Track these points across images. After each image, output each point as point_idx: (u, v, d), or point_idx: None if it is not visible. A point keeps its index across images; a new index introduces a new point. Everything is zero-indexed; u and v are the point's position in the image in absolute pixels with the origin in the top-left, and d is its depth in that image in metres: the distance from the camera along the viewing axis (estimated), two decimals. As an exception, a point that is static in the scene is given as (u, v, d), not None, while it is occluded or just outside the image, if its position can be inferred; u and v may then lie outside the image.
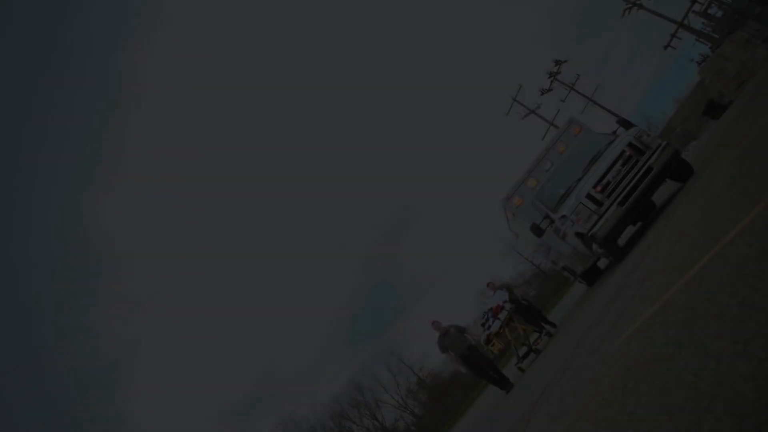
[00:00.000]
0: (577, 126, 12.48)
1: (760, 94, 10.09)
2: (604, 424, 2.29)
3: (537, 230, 10.38)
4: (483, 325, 12.05)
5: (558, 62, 37.55)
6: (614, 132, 11.10)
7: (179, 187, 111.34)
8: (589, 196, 9.17)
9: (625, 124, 10.62)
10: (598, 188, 9.33)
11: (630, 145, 9.42)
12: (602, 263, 12.74)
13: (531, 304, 12.60)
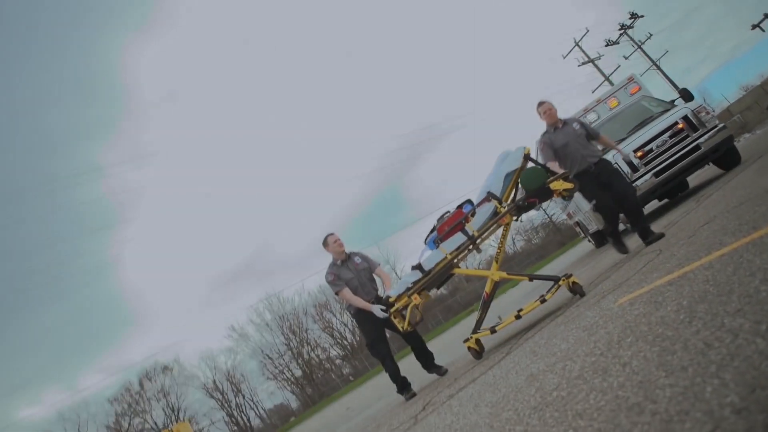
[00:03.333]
0: (637, 85, 11.92)
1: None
2: (593, 368, 2.32)
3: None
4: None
5: (633, 15, 35.32)
6: (673, 101, 10.61)
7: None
8: (626, 159, 8.92)
9: (687, 96, 10.12)
10: (639, 153, 9.05)
11: (685, 118, 9.03)
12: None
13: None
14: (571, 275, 5.06)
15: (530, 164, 5.34)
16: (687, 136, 8.95)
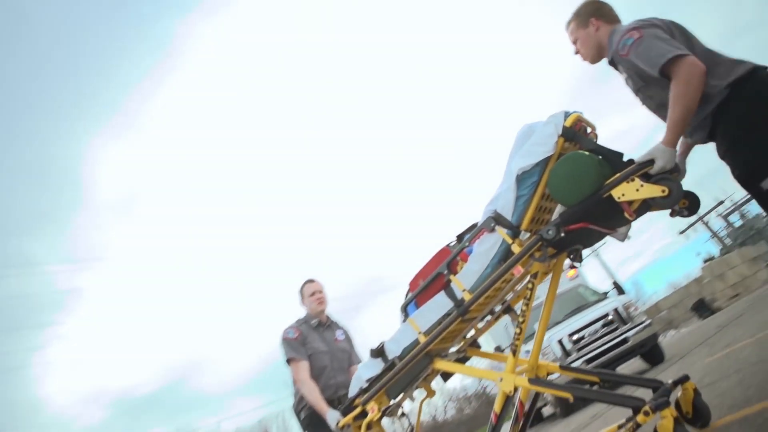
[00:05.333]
0: (574, 268, 12.75)
1: (746, 314, 10.39)
2: None
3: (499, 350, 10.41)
4: None
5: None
6: (606, 293, 11.36)
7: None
8: (560, 342, 9.31)
9: (619, 289, 10.91)
10: (573, 337, 9.48)
11: (616, 310, 9.64)
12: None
13: None
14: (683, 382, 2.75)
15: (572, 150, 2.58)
16: (617, 328, 9.49)
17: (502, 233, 2.64)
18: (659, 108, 2.49)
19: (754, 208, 29.24)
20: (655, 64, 2.34)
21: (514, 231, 2.63)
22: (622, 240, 2.83)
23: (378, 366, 3.09)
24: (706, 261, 28.27)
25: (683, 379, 2.75)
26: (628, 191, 2.29)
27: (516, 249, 2.57)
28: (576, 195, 2.43)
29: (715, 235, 29.58)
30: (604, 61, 2.80)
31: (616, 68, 2.73)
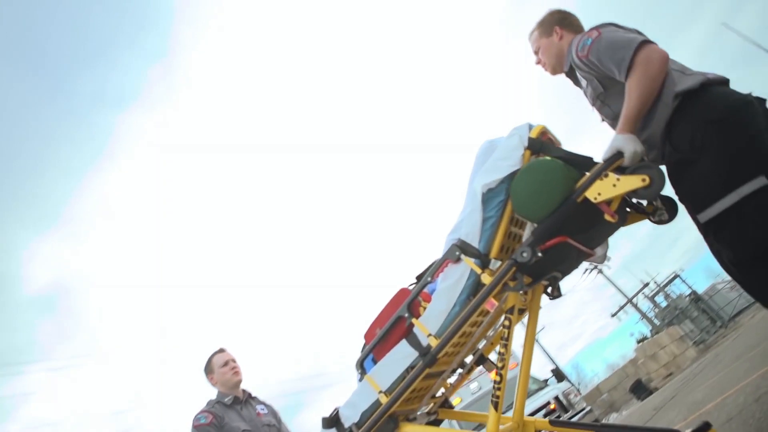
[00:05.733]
0: (515, 362, 12.85)
1: (679, 394, 10.71)
2: None
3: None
4: None
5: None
6: (546, 380, 11.48)
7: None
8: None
9: (559, 376, 11.07)
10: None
11: (557, 398, 9.73)
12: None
13: None
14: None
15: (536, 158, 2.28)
16: (559, 417, 9.53)
17: (469, 263, 2.24)
18: (616, 119, 2.21)
19: (677, 288, 31.00)
20: (623, 57, 2.10)
21: (483, 260, 2.24)
22: (602, 263, 2.56)
23: None
24: (639, 341, 29.24)
25: (704, 428, 2.47)
26: (604, 189, 2.00)
27: (486, 279, 2.18)
28: (545, 206, 2.11)
29: (644, 315, 30.84)
30: None
31: (574, 79, 2.56)
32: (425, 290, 2.50)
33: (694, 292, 29.16)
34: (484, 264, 2.23)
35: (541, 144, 2.27)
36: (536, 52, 2.66)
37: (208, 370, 3.64)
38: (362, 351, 2.65)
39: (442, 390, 2.92)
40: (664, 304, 31.15)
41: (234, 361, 3.65)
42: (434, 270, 2.42)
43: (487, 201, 2.27)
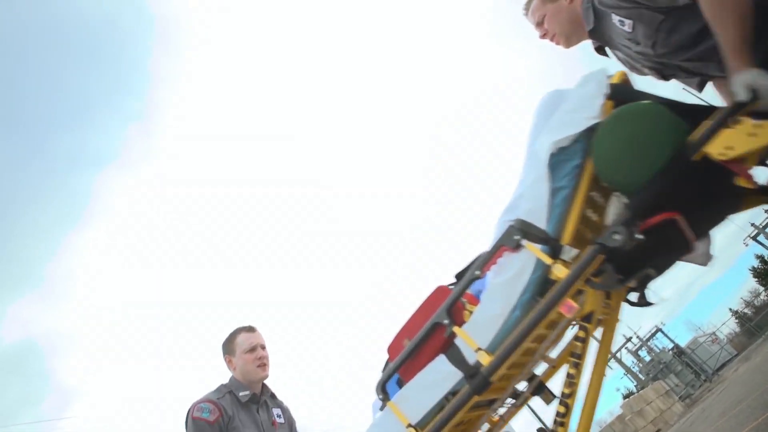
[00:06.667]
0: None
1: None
2: None
3: None
4: None
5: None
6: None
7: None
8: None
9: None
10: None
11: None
12: None
13: None
14: None
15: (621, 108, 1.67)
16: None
17: (534, 250, 1.62)
18: (695, 40, 1.64)
19: (659, 341, 30.96)
20: None
21: (553, 246, 1.61)
22: (705, 264, 1.81)
23: None
24: (624, 397, 28.83)
25: None
26: (737, 140, 1.37)
27: (561, 272, 1.56)
28: (646, 166, 1.50)
29: (628, 371, 30.59)
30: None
31: (602, 39, 1.97)
32: (470, 290, 1.84)
33: (676, 346, 29.08)
34: (555, 252, 1.61)
35: (628, 91, 1.72)
36: (540, 23, 2.06)
37: (229, 349, 2.77)
38: (384, 369, 1.95)
39: (486, 427, 2.17)
40: (648, 358, 31.03)
41: (264, 348, 2.77)
42: (484, 262, 1.75)
43: (557, 166, 1.67)
